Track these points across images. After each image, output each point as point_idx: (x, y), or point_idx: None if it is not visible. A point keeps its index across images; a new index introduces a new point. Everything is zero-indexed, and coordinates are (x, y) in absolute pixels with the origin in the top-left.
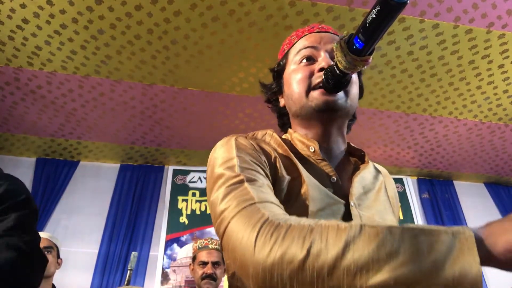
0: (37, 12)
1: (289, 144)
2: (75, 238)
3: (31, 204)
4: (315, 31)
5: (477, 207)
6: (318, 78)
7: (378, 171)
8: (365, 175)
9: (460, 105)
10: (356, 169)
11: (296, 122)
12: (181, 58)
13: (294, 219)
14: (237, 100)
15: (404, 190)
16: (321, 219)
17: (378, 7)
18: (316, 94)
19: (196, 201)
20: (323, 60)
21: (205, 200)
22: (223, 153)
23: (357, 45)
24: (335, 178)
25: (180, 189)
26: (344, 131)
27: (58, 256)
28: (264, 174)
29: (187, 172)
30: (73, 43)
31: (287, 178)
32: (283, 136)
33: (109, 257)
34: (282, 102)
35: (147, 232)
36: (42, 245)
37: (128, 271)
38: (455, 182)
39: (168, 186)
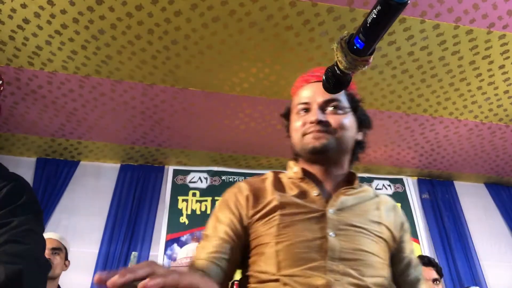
0: (37, 12)
1: (277, 176)
2: (75, 238)
3: (35, 207)
4: (311, 81)
5: (477, 208)
6: (310, 127)
7: (376, 196)
8: (356, 195)
9: (460, 105)
10: (346, 188)
11: (300, 157)
12: (181, 58)
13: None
14: (238, 100)
15: (404, 190)
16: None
17: (378, 7)
18: (307, 139)
19: (196, 201)
20: (312, 115)
21: (205, 200)
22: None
23: (358, 45)
24: (317, 192)
25: (180, 189)
26: (343, 163)
27: (66, 258)
28: (230, 220)
29: (187, 172)
30: (74, 43)
31: (259, 201)
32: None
33: (109, 257)
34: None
35: (147, 232)
36: (51, 245)
37: None
38: (456, 183)
39: (168, 186)
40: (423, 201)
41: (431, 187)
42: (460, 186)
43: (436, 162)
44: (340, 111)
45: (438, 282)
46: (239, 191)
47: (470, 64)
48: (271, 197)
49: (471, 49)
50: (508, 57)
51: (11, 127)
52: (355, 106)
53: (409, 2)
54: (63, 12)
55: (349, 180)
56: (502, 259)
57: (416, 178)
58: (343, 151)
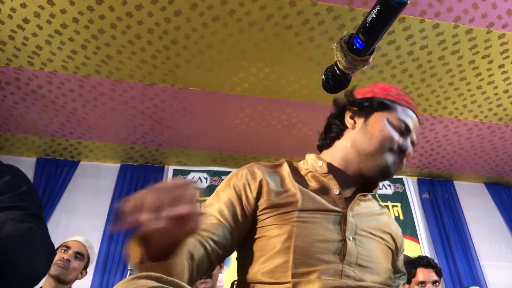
0: (37, 12)
1: (293, 166)
2: None
3: (34, 197)
4: (412, 108)
5: (477, 208)
6: (399, 150)
7: (382, 207)
8: (370, 203)
9: (460, 105)
10: (363, 194)
11: (351, 152)
12: (181, 58)
13: None
14: (238, 100)
15: (404, 190)
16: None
17: (378, 7)
18: (388, 158)
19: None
20: (409, 144)
21: (205, 200)
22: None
23: (357, 45)
24: (338, 191)
25: None
26: None
27: (85, 268)
28: (233, 202)
29: (187, 172)
30: (74, 42)
31: (276, 190)
32: (300, 162)
33: (109, 257)
34: (351, 124)
35: None
36: (75, 249)
37: (128, 271)
38: (455, 182)
39: None
40: (423, 201)
41: (431, 187)
42: (460, 186)
43: (436, 162)
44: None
45: (438, 283)
46: (252, 174)
47: (469, 64)
48: (292, 189)
49: (470, 48)
50: (507, 57)
51: (11, 127)
52: None
53: (408, 1)
54: (63, 11)
55: (365, 186)
56: (502, 259)
57: (416, 178)
58: None
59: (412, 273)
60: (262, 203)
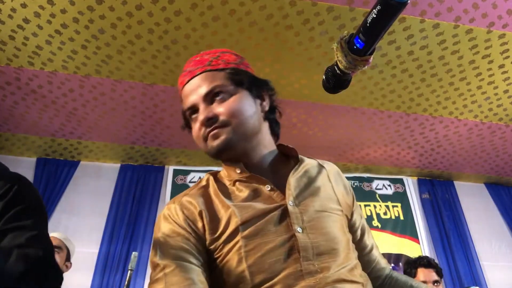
0: (38, 12)
1: (218, 180)
2: (75, 238)
3: (42, 210)
4: (186, 81)
5: (477, 208)
6: (204, 130)
7: (322, 167)
8: (302, 172)
9: (460, 105)
10: (292, 168)
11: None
12: (181, 57)
13: None
14: None
15: (405, 190)
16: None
17: (378, 7)
18: (209, 144)
19: None
20: (201, 115)
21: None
22: (154, 235)
23: (358, 45)
24: (269, 186)
25: (180, 189)
26: (260, 143)
27: (67, 259)
28: (182, 246)
29: (187, 172)
30: (74, 42)
31: (212, 221)
32: (220, 173)
33: (109, 257)
34: None
35: (148, 232)
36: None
37: (129, 271)
38: (456, 183)
39: (168, 186)
40: (423, 201)
41: (431, 187)
42: (460, 186)
43: (436, 162)
44: (225, 96)
45: (438, 283)
46: (185, 208)
47: (470, 64)
48: (226, 211)
49: (471, 48)
50: (508, 57)
51: (11, 127)
52: (239, 79)
53: (408, 1)
54: (63, 11)
55: (286, 157)
56: (502, 259)
57: (416, 178)
58: (251, 135)
59: (413, 273)
60: (210, 239)
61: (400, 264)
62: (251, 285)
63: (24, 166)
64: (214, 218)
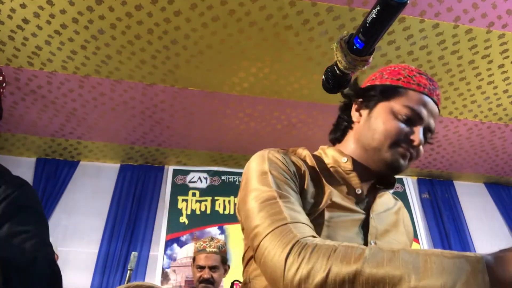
0: (37, 12)
1: (317, 158)
2: (75, 238)
3: (43, 215)
4: (432, 97)
5: (477, 207)
6: (406, 145)
7: (396, 200)
8: (386, 198)
9: (460, 105)
10: (379, 190)
11: (358, 148)
12: (181, 58)
13: (319, 240)
14: (237, 100)
15: (404, 190)
16: (343, 242)
17: (378, 7)
18: (394, 153)
19: (196, 201)
20: (417, 137)
21: (205, 200)
22: (258, 166)
23: (358, 45)
24: (360, 190)
25: (180, 189)
26: None
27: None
28: (294, 188)
29: (187, 172)
30: (74, 43)
31: (311, 190)
32: (315, 153)
33: (109, 257)
34: (357, 117)
35: (147, 232)
36: None
37: (128, 271)
38: (455, 182)
39: (168, 186)
40: (423, 201)
41: (431, 186)
42: (460, 186)
43: (435, 161)
44: (429, 139)
45: None
46: (294, 162)
47: (469, 64)
48: (327, 191)
49: (470, 48)
50: (507, 57)
51: (11, 127)
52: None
53: (408, 1)
54: (63, 12)
55: (378, 181)
56: None
57: (416, 177)
58: None
59: None
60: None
61: None
62: None
63: (24, 166)
64: (311, 187)
